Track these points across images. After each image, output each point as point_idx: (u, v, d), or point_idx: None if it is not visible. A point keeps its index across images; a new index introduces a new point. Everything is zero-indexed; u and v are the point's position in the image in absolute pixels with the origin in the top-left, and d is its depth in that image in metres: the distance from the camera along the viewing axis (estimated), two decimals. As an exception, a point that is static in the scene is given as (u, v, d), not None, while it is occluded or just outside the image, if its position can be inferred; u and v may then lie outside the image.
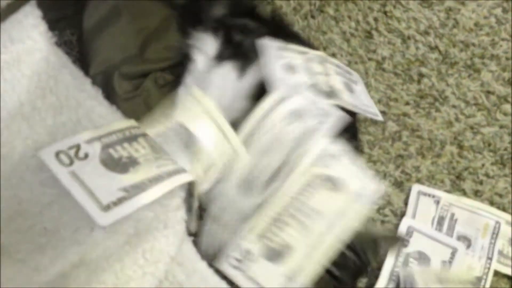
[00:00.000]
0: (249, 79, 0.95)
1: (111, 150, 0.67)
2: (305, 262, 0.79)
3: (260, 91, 0.92)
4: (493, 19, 1.20)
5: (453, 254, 0.93)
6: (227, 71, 0.95)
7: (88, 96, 0.65)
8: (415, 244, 0.94)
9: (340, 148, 0.87)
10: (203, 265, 0.74)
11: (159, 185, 0.64)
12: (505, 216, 0.98)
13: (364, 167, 0.88)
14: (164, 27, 1.03)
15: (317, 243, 0.81)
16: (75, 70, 0.66)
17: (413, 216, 0.97)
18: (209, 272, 0.74)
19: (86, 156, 0.65)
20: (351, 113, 0.95)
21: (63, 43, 1.11)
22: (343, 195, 0.83)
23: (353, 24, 1.19)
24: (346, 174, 0.85)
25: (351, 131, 0.96)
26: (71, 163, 0.63)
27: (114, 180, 0.63)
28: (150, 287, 0.65)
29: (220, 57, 0.96)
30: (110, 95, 0.96)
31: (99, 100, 0.66)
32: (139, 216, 0.63)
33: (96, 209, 0.60)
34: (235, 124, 0.89)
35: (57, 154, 0.63)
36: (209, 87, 0.93)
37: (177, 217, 0.66)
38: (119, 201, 0.61)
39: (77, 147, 0.64)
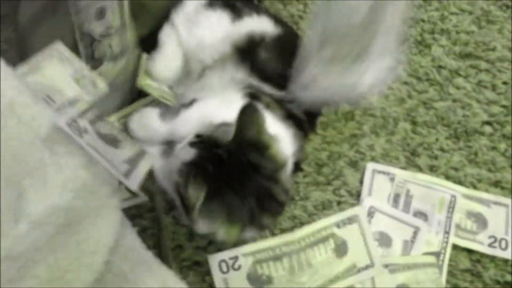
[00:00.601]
0: (242, 27, 0.96)
1: (97, 127, 0.72)
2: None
3: (248, 44, 0.94)
4: (442, -6, 1.19)
5: (415, 233, 0.91)
6: (220, 15, 0.98)
7: (8, 85, 0.61)
8: (377, 224, 0.92)
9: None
10: (148, 255, 0.71)
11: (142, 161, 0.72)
12: (461, 189, 0.97)
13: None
14: None
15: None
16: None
17: (369, 194, 0.95)
18: (155, 262, 0.71)
19: (86, 130, 0.69)
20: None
21: (3, 41, 1.08)
22: (343, 264, 0.88)
23: (301, 6, 1.17)
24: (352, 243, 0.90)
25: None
26: (81, 135, 0.66)
27: (115, 154, 0.69)
28: (89, 278, 0.62)
29: (211, 5, 1.00)
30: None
31: (20, 89, 0.62)
32: (68, 204, 0.60)
33: (122, 177, 0.66)
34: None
35: (69, 125, 0.65)
36: (197, 26, 0.98)
37: (110, 204, 0.63)
38: (128, 172, 0.69)
39: (75, 121, 0.68)
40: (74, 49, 0.98)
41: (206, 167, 0.75)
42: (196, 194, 0.71)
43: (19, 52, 1.03)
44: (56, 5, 1.01)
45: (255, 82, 0.93)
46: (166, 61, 0.98)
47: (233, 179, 0.76)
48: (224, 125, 0.80)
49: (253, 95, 0.90)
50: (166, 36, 0.99)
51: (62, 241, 0.61)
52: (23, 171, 0.59)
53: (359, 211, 0.92)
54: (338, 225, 0.91)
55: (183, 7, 1.01)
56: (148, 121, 0.93)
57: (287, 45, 0.98)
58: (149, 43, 1.01)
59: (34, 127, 0.61)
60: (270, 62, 0.94)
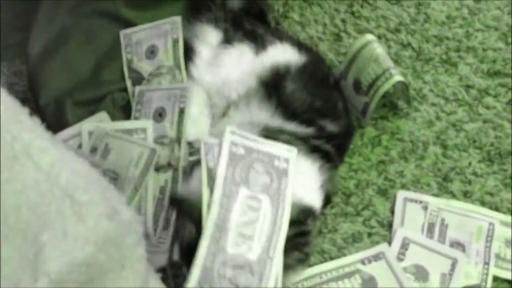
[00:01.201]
0: (266, 59, 0.92)
1: None
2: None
3: (273, 77, 0.90)
4: (465, 10, 1.15)
5: (453, 265, 0.86)
6: (242, 50, 0.94)
7: (24, 128, 0.57)
8: (412, 257, 0.87)
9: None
10: (174, 303, 0.67)
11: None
12: (498, 216, 0.92)
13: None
14: (118, 45, 0.97)
15: None
16: (9, 100, 0.58)
17: (401, 225, 0.90)
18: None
19: None
20: None
21: (12, 74, 1.05)
22: None
23: (320, 28, 1.13)
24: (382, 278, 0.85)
25: None
26: None
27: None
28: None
29: (228, 41, 0.95)
30: (63, 125, 0.89)
31: (37, 133, 0.58)
32: (90, 259, 0.55)
33: None
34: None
35: None
36: (220, 67, 0.93)
37: (135, 255, 0.59)
38: None
39: None
40: (91, 78, 0.94)
41: None
42: None
43: (30, 86, 1.00)
44: (68, 35, 0.98)
45: (277, 122, 0.88)
46: (195, 123, 0.92)
47: None
48: None
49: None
50: (189, 93, 0.93)
51: (85, 297, 0.56)
52: (41, 224, 0.55)
53: (384, 248, 0.87)
54: (363, 262, 0.86)
55: (197, 56, 0.96)
56: None
57: (315, 73, 0.94)
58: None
59: (53, 174, 0.57)
60: (297, 95, 0.89)
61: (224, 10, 1.00)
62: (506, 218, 0.92)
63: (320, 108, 0.89)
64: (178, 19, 0.97)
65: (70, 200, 0.56)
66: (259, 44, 0.94)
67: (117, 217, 0.58)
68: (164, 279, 0.70)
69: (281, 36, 0.99)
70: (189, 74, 0.95)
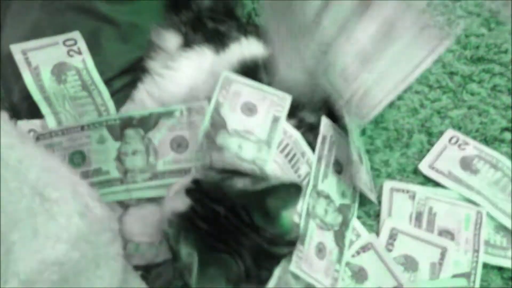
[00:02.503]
0: (230, 56, 0.91)
1: None
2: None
3: (244, 71, 0.88)
4: (446, -3, 1.13)
5: (442, 255, 0.84)
6: (200, 52, 0.92)
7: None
8: (400, 247, 0.85)
9: None
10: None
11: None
12: (486, 202, 0.90)
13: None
14: (93, 41, 0.95)
15: None
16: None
17: (389, 215, 0.89)
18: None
19: None
20: None
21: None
22: None
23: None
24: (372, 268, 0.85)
25: None
26: None
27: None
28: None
29: (187, 45, 0.93)
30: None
31: (4, 130, 0.55)
32: (62, 258, 0.53)
33: None
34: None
35: None
36: (178, 71, 0.91)
37: (111, 252, 0.56)
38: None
39: None
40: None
41: (199, 225, 0.67)
42: (189, 259, 0.63)
43: (3, 83, 0.97)
44: (41, 31, 0.95)
45: None
46: None
47: (229, 236, 0.68)
48: (235, 175, 0.72)
49: None
50: None
51: (59, 298, 0.54)
52: (10, 223, 0.52)
53: (372, 238, 0.85)
54: (352, 254, 0.85)
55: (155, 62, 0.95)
56: None
57: None
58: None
59: (21, 171, 0.54)
60: (274, 87, 0.87)
61: (192, 10, 0.98)
62: (495, 204, 0.90)
63: (297, 99, 0.87)
64: None
65: (40, 197, 0.54)
66: (218, 43, 0.92)
67: (90, 214, 0.55)
68: (144, 277, 0.68)
69: (246, 30, 0.96)
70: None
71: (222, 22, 0.97)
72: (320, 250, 0.81)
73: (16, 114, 0.89)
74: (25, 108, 0.90)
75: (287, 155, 0.83)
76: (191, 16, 0.98)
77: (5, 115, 0.57)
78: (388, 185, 0.92)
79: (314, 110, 0.91)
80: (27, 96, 0.89)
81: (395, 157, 0.96)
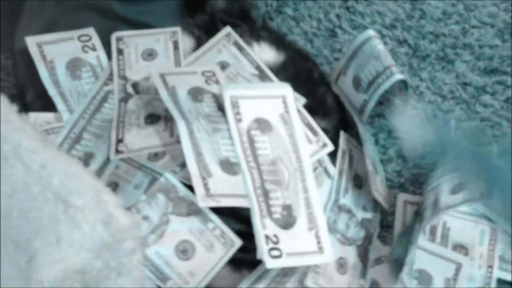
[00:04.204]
0: None
1: None
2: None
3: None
4: (461, 6, 1.12)
5: (457, 270, 0.84)
6: None
7: (13, 127, 0.54)
8: (414, 261, 0.84)
9: None
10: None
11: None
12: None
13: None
14: (108, 40, 0.94)
15: None
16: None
17: (402, 228, 0.88)
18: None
19: None
20: None
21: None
22: None
23: (314, 23, 1.10)
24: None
25: None
26: None
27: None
28: None
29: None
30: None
31: (27, 132, 0.54)
32: (85, 266, 0.52)
33: None
34: None
35: None
36: None
37: (133, 261, 0.56)
38: None
39: None
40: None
41: None
42: None
43: (17, 82, 0.96)
44: (56, 29, 0.94)
45: None
46: None
47: None
48: None
49: None
50: None
51: (79, 306, 0.53)
52: (33, 230, 0.51)
53: (385, 251, 0.85)
54: None
55: None
56: None
57: (297, 70, 0.92)
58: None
59: (44, 176, 0.53)
60: None
61: (206, 13, 0.98)
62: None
63: (307, 105, 0.86)
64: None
65: (64, 204, 0.53)
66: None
67: (114, 222, 0.54)
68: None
69: (259, 35, 0.95)
70: None
71: (235, 26, 0.96)
72: (342, 265, 0.80)
73: None
74: (38, 107, 0.89)
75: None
76: (205, 19, 0.97)
77: (28, 118, 0.56)
78: (402, 197, 0.92)
79: (325, 115, 0.90)
80: (41, 95, 0.88)
81: (408, 168, 0.96)
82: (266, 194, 0.75)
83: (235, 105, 0.79)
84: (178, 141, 0.77)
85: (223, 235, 0.76)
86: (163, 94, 0.79)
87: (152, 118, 0.83)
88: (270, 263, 0.72)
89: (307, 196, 0.77)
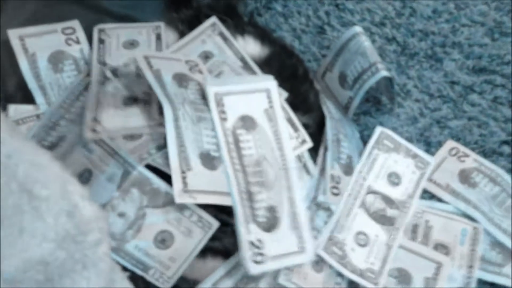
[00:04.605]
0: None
1: None
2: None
3: None
4: (451, 5, 1.12)
5: (437, 270, 0.83)
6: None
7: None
8: (394, 260, 0.84)
9: None
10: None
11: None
12: (484, 218, 0.89)
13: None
14: (92, 33, 0.93)
15: None
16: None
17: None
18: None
19: None
20: None
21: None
22: None
23: (303, 19, 1.10)
24: None
25: None
26: None
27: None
28: None
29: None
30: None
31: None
32: (48, 257, 0.51)
33: None
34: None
35: None
36: None
37: (98, 253, 0.55)
38: None
39: None
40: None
41: None
42: None
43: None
44: (39, 21, 0.93)
45: None
46: None
47: None
48: None
49: None
50: None
51: (43, 299, 0.52)
52: (-5, 220, 0.51)
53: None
54: None
55: None
56: None
57: (281, 66, 0.91)
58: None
59: (10, 166, 0.52)
60: None
61: (192, 8, 0.97)
62: (492, 219, 0.89)
63: (289, 100, 0.86)
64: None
65: (28, 195, 0.52)
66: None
67: (78, 213, 0.54)
68: (132, 278, 0.66)
69: (244, 29, 0.95)
70: None
71: (221, 20, 0.96)
72: (317, 262, 0.79)
73: None
74: (19, 98, 0.88)
75: None
76: (189, 14, 0.97)
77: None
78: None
79: (307, 111, 0.90)
80: (23, 87, 0.88)
81: (393, 166, 0.95)
82: (250, 197, 0.75)
83: (219, 103, 0.78)
84: (157, 124, 0.76)
85: (201, 219, 0.76)
86: (149, 75, 0.78)
87: (130, 100, 0.82)
88: (253, 269, 0.71)
89: (290, 195, 0.77)
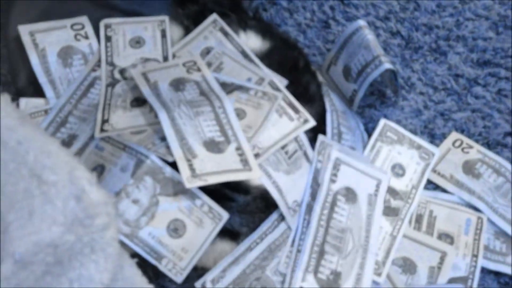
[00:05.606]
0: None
1: None
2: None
3: None
4: (456, -1, 1.13)
5: (442, 259, 0.84)
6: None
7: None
8: (399, 250, 0.85)
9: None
10: (149, 289, 0.64)
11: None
12: (488, 208, 0.89)
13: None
14: (99, 29, 0.95)
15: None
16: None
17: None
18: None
19: None
20: None
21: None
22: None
23: (308, 14, 1.11)
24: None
25: None
26: None
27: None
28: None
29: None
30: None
31: (6, 111, 0.55)
32: (57, 240, 0.53)
33: None
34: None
35: None
36: None
37: (106, 237, 0.56)
38: None
39: None
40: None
41: None
42: None
43: (10, 68, 0.97)
44: (50, 17, 0.95)
45: None
46: None
47: None
48: None
49: None
50: None
51: (53, 280, 0.54)
52: (7, 204, 0.52)
53: None
54: None
55: None
56: None
57: (282, 58, 0.92)
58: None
59: (20, 152, 0.54)
60: None
61: (197, 3, 0.98)
62: (496, 210, 0.90)
63: (291, 91, 0.87)
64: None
65: (38, 179, 0.54)
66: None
67: (86, 198, 0.55)
68: (141, 266, 0.68)
69: (247, 24, 0.96)
70: None
71: (224, 15, 0.97)
72: None
73: None
74: (30, 93, 0.90)
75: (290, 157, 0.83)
76: (195, 10, 0.98)
77: (7, 97, 0.57)
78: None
79: (308, 101, 0.91)
80: (33, 81, 0.89)
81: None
82: (322, 253, 0.78)
83: (335, 167, 0.82)
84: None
85: (211, 210, 0.77)
86: (145, 91, 0.81)
87: (138, 102, 0.84)
88: None
89: (360, 273, 0.79)
